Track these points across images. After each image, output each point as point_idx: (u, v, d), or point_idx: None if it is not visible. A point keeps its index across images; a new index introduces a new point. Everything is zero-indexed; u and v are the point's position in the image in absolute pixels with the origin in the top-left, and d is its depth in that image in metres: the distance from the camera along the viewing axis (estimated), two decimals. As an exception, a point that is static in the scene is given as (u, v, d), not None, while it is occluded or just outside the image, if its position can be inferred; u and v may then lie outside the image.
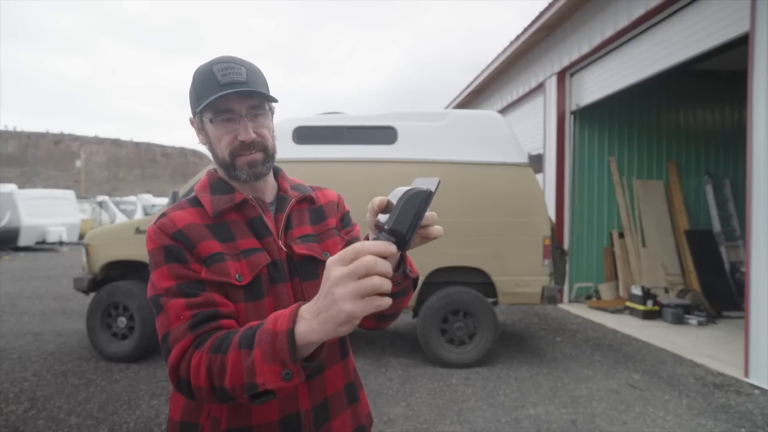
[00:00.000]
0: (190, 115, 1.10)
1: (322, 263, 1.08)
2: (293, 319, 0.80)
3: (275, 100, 1.09)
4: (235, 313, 0.99)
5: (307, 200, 1.18)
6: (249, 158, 1.05)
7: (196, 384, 0.88)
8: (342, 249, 0.97)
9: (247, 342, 0.85)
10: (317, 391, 1.06)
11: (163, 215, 1.05)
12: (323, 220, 1.19)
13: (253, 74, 1.05)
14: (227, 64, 1.03)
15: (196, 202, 1.08)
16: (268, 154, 1.08)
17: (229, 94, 1.00)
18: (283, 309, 0.90)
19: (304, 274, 1.09)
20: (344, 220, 1.26)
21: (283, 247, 1.08)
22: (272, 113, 1.13)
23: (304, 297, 1.06)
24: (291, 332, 0.79)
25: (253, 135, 1.04)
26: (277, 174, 1.21)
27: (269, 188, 1.15)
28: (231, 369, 0.84)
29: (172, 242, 1.00)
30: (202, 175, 4.89)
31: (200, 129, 1.09)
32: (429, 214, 0.85)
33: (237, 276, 1.00)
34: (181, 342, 0.93)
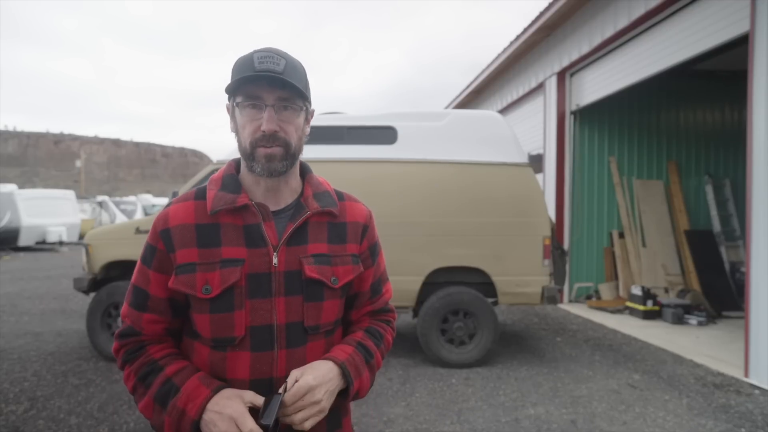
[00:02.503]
0: (227, 101, 1.07)
1: (329, 288, 1.06)
2: (202, 411, 0.94)
3: (308, 98, 1.05)
4: (161, 336, 1.06)
5: (327, 214, 1.10)
6: (268, 151, 1.00)
7: (125, 382, 1.04)
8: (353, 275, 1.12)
9: (161, 401, 0.98)
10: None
11: (167, 206, 1.10)
12: (342, 242, 1.10)
13: (293, 68, 1.02)
14: (268, 53, 1.00)
15: (201, 195, 1.08)
16: (289, 152, 1.03)
17: (259, 79, 0.98)
18: (259, 323, 1.00)
19: (309, 294, 1.04)
20: (371, 251, 1.18)
21: (275, 261, 1.02)
22: (306, 114, 1.08)
23: (303, 317, 1.03)
24: (196, 424, 0.94)
25: (276, 126, 0.99)
26: (305, 175, 1.14)
27: (288, 190, 1.09)
28: (146, 406, 1.00)
29: (153, 241, 1.05)
30: (202, 175, 4.89)
31: (233, 114, 1.06)
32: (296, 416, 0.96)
33: (204, 289, 0.99)
34: (115, 343, 1.07)
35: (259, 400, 0.95)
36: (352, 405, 3.80)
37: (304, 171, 1.15)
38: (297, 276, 1.03)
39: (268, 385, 1.00)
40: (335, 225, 1.11)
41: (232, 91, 1.02)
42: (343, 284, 1.09)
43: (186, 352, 1.07)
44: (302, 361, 1.03)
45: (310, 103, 1.08)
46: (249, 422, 0.90)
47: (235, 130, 1.05)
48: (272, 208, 1.06)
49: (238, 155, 1.09)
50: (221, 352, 1.01)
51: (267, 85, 0.99)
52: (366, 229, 1.17)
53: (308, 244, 1.05)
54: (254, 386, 0.99)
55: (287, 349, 1.02)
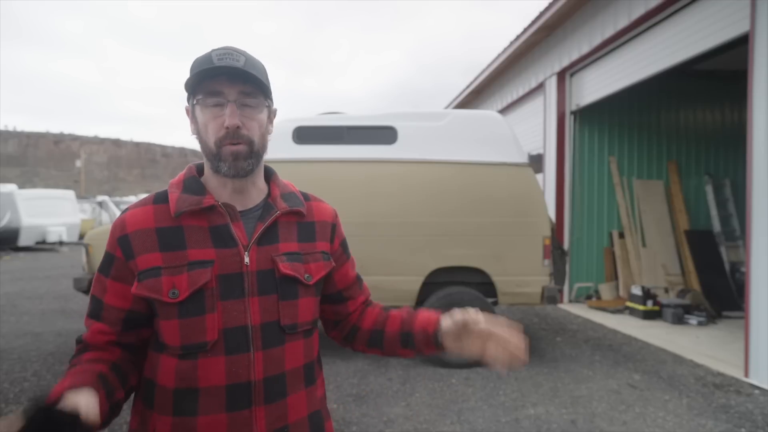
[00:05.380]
0: (186, 104, 1.03)
1: (303, 285, 1.05)
2: None
3: (269, 92, 1.02)
4: (104, 345, 1.02)
5: (295, 214, 1.09)
6: (234, 149, 0.97)
7: None
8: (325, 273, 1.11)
9: None
10: (275, 418, 0.99)
11: (123, 212, 1.04)
12: (312, 240, 1.10)
13: (252, 64, 0.98)
14: (227, 50, 0.98)
15: (161, 198, 1.03)
16: (253, 149, 0.99)
17: (219, 73, 0.95)
18: (233, 324, 0.97)
19: (284, 293, 1.02)
20: (343, 246, 1.20)
21: (247, 260, 0.99)
22: (269, 112, 1.05)
23: (279, 315, 1.01)
24: None
25: (238, 122, 0.96)
26: (270, 177, 1.13)
27: (256, 191, 1.07)
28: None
29: (111, 249, 1.02)
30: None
31: (192, 115, 1.01)
32: None
33: (171, 293, 0.95)
34: (77, 346, 1.05)
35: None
36: (346, 406, 3.79)
37: (269, 173, 1.13)
38: (270, 275, 1.01)
39: (246, 390, 0.96)
40: (303, 224, 1.10)
41: (191, 89, 0.99)
42: (316, 281, 1.08)
43: (151, 367, 1.01)
44: (281, 362, 1.00)
45: (272, 101, 1.05)
46: None
47: (197, 131, 1.01)
48: (239, 209, 1.04)
49: None
50: (191, 360, 0.96)
51: (227, 80, 0.96)
52: (335, 227, 1.18)
53: (279, 243, 1.04)
54: (232, 391, 0.96)
55: (263, 350, 0.98)
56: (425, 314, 1.14)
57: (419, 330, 1.11)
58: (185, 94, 1.03)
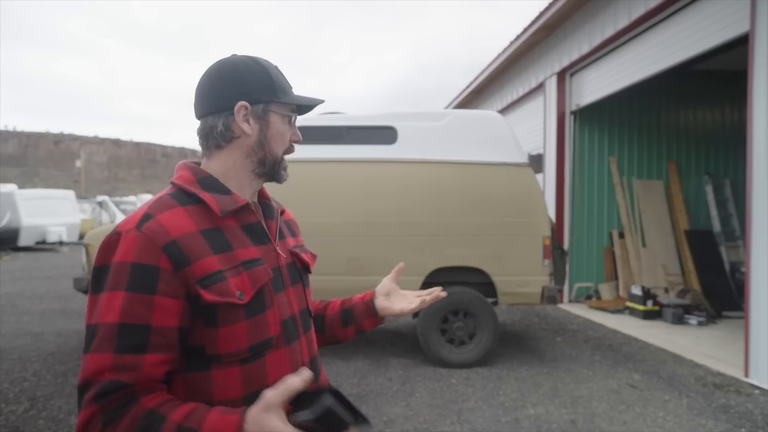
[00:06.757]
0: (243, 101, 1.01)
1: (309, 273, 1.17)
2: None
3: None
4: (157, 382, 0.87)
5: (283, 212, 1.19)
6: (286, 162, 1.10)
7: None
8: None
9: None
10: None
11: (147, 217, 0.90)
12: (296, 235, 1.21)
13: None
14: (282, 72, 1.10)
15: (187, 199, 0.97)
16: None
17: (312, 102, 1.09)
18: (286, 316, 1.01)
19: (305, 282, 1.13)
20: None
21: (282, 254, 1.06)
22: None
23: (307, 303, 1.12)
24: None
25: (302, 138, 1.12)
26: None
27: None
28: None
29: (152, 260, 0.87)
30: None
31: (258, 118, 1.02)
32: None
33: (239, 295, 0.93)
34: (86, 410, 0.81)
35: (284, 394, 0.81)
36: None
37: None
38: (293, 266, 1.10)
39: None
40: (287, 221, 1.20)
41: (269, 95, 1.03)
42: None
43: (194, 390, 0.91)
44: (313, 344, 1.12)
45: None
46: None
47: (257, 133, 1.03)
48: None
49: None
50: (258, 360, 0.95)
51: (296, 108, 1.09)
52: (297, 225, 1.29)
53: (287, 238, 1.14)
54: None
55: (304, 334, 1.08)
56: (358, 294, 1.29)
57: (358, 301, 1.25)
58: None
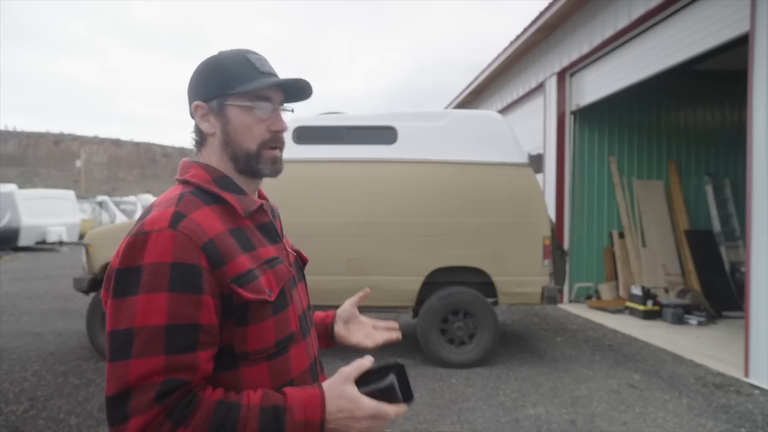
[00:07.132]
0: (198, 101, 1.00)
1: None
2: (323, 409, 0.88)
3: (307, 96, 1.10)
4: (208, 377, 0.87)
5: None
6: (274, 153, 1.02)
7: None
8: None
9: (274, 428, 0.83)
10: None
11: (180, 215, 0.88)
12: (283, 235, 1.19)
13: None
14: (259, 56, 1.02)
15: (209, 198, 0.96)
16: (282, 153, 1.06)
17: (273, 83, 0.98)
18: (301, 311, 1.04)
19: (304, 278, 1.16)
20: None
21: (292, 251, 1.11)
22: None
23: (309, 298, 1.15)
24: (323, 424, 0.88)
25: (286, 126, 1.03)
26: None
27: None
28: None
29: (193, 259, 0.85)
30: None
31: (216, 115, 0.99)
32: None
33: (269, 292, 0.94)
34: (145, 415, 0.78)
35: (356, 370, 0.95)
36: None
37: None
38: (296, 264, 1.13)
39: (314, 365, 1.07)
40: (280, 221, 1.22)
41: (224, 88, 0.98)
42: None
43: (225, 390, 0.89)
44: (316, 336, 1.16)
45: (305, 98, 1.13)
46: (385, 406, 0.93)
47: (221, 131, 0.99)
48: None
49: None
50: (283, 354, 0.97)
51: (276, 87, 1.02)
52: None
53: (285, 237, 1.15)
54: (312, 369, 1.06)
55: (312, 327, 1.12)
56: (321, 312, 1.31)
57: (319, 321, 1.26)
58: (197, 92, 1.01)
